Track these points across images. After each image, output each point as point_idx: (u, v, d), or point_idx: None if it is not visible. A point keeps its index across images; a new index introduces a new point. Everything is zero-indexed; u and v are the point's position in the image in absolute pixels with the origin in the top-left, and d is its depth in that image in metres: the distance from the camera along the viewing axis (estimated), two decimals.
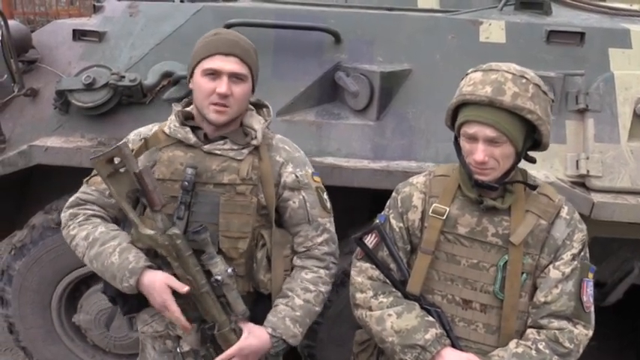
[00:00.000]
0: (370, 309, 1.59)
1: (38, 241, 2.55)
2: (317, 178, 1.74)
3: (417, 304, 1.57)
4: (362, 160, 2.31)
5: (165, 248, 1.55)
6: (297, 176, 1.68)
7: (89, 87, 2.35)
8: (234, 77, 1.57)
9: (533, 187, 1.55)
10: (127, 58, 2.51)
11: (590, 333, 1.52)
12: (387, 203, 1.70)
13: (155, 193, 1.52)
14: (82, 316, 2.68)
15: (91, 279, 2.66)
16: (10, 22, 2.49)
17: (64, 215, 1.70)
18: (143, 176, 1.50)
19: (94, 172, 1.66)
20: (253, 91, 1.67)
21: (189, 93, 2.42)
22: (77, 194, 1.71)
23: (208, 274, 1.57)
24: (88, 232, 1.63)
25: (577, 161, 2.25)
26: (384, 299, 1.58)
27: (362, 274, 1.63)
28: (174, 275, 1.57)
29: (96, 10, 2.78)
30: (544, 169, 2.24)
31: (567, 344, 1.47)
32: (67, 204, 1.71)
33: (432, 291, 1.59)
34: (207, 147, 1.62)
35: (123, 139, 1.72)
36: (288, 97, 2.41)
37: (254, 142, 1.63)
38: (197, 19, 2.51)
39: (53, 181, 2.65)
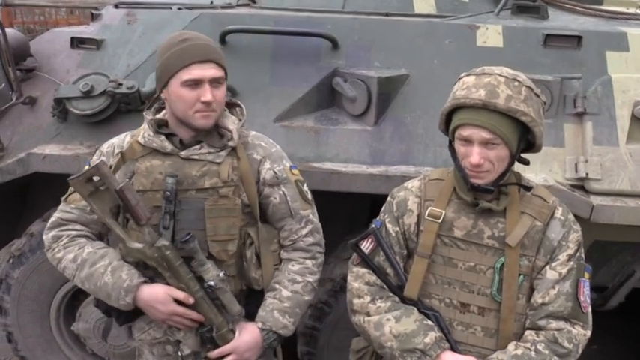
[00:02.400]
0: (368, 314, 1.58)
1: (37, 249, 2.54)
2: (295, 172, 1.75)
3: (415, 308, 1.56)
4: (360, 165, 2.31)
5: (155, 260, 1.56)
6: (275, 172, 1.69)
7: (87, 94, 2.35)
8: (215, 82, 1.57)
9: (528, 189, 1.56)
10: (124, 65, 2.52)
11: (589, 333, 1.51)
12: (383, 208, 1.70)
13: (139, 208, 1.52)
14: (80, 325, 2.67)
15: None
16: (8, 31, 2.50)
17: (47, 237, 1.69)
18: (125, 193, 1.50)
19: (71, 189, 1.66)
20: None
21: None
22: (57, 214, 1.70)
23: (200, 279, 1.58)
24: (76, 254, 1.63)
25: (576, 164, 2.25)
26: (381, 304, 1.57)
27: (359, 279, 1.63)
28: (168, 284, 1.59)
29: (94, 18, 2.80)
30: (543, 172, 2.23)
31: (566, 344, 1.47)
32: (49, 225, 1.70)
33: (430, 295, 1.58)
34: (184, 153, 1.61)
35: (96, 151, 1.73)
36: (286, 103, 2.41)
37: (231, 143, 1.63)
38: (195, 26, 2.51)
39: (52, 189, 2.64)
